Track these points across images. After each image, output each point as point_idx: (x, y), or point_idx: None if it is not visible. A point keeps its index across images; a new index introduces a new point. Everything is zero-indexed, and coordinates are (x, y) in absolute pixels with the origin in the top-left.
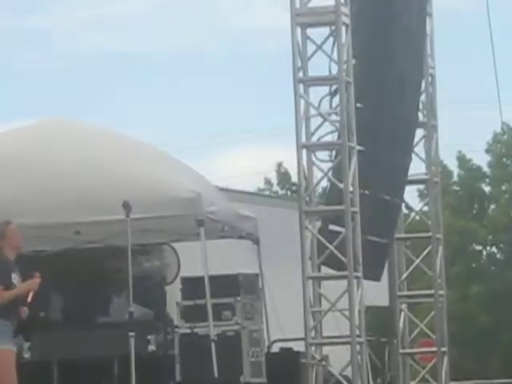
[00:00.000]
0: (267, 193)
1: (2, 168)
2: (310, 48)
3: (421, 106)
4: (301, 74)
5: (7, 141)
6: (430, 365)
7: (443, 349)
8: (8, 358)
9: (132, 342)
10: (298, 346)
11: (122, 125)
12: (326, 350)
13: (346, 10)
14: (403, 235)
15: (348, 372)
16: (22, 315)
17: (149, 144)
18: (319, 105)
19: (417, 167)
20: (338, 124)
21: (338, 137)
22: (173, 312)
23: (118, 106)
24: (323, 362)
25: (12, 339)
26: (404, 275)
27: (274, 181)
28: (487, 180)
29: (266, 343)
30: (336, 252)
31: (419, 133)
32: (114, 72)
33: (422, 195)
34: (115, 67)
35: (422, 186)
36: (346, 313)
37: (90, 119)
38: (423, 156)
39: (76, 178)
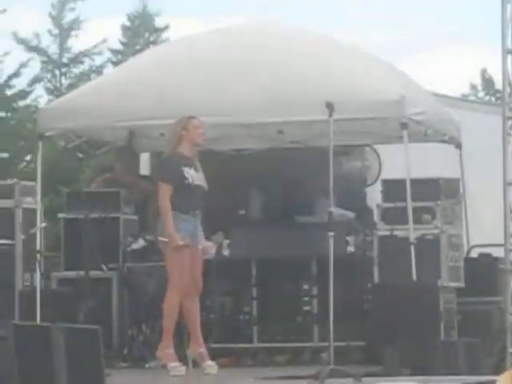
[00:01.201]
0: (472, 98)
1: (204, 66)
2: None
3: None
4: None
5: (209, 38)
6: None
7: None
8: (183, 253)
9: (331, 242)
10: (497, 252)
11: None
12: None
13: None
14: None
15: None
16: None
17: (352, 44)
18: None
19: None
20: None
21: None
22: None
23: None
24: None
25: (191, 234)
26: None
27: (479, 87)
28: None
29: (465, 248)
30: None
31: None
32: None
33: None
34: None
35: None
36: None
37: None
38: None
39: (281, 78)
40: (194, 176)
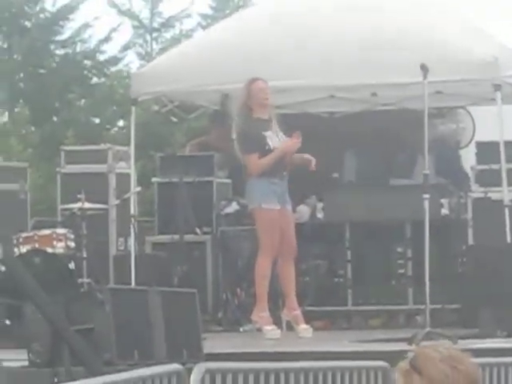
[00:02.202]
0: None
1: (293, 29)
2: None
3: None
4: None
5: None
6: None
7: None
8: (272, 217)
9: (426, 204)
10: None
11: None
12: None
13: None
14: None
15: None
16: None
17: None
18: None
19: None
20: None
21: None
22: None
23: None
24: None
25: (280, 197)
26: None
27: None
28: None
29: None
30: None
31: None
32: None
33: None
34: None
35: None
36: None
37: None
38: None
39: (373, 40)
40: (274, 139)
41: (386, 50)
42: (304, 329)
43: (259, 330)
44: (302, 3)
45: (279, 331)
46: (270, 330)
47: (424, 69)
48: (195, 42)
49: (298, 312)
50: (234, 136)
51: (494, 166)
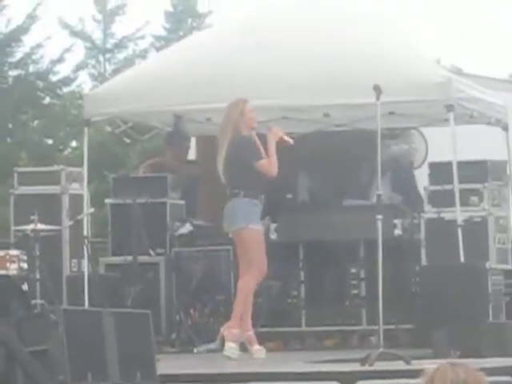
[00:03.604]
0: None
1: (247, 50)
2: None
3: None
4: None
5: (253, 21)
6: None
7: None
8: (259, 237)
9: (380, 225)
10: None
11: None
12: None
13: None
14: None
15: None
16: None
17: (398, 28)
18: None
19: None
20: None
21: None
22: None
23: None
24: None
25: (259, 218)
26: None
27: None
28: None
29: None
30: None
31: None
32: None
33: None
34: None
35: None
36: None
37: None
38: None
39: (325, 61)
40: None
41: (339, 70)
42: (258, 349)
43: (212, 351)
44: (256, 24)
45: (238, 353)
46: (232, 348)
47: (377, 90)
48: (148, 63)
49: (251, 333)
50: (238, 152)
51: (447, 187)
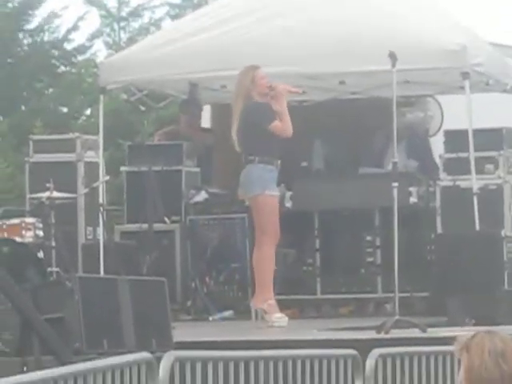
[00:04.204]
0: None
1: (262, 18)
2: None
3: None
4: None
5: None
6: None
7: None
8: (275, 204)
9: (395, 193)
10: None
11: None
12: None
13: None
14: None
15: None
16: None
17: None
18: None
19: None
20: None
21: None
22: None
23: None
24: None
25: (276, 184)
26: None
27: None
28: None
29: None
30: None
31: None
32: None
33: None
34: None
35: None
36: None
37: None
38: None
39: (341, 27)
40: None
41: (354, 37)
42: (279, 317)
43: (226, 319)
44: None
45: (287, 319)
46: (280, 317)
47: (392, 57)
48: (163, 31)
49: (273, 301)
50: (250, 117)
51: (463, 155)
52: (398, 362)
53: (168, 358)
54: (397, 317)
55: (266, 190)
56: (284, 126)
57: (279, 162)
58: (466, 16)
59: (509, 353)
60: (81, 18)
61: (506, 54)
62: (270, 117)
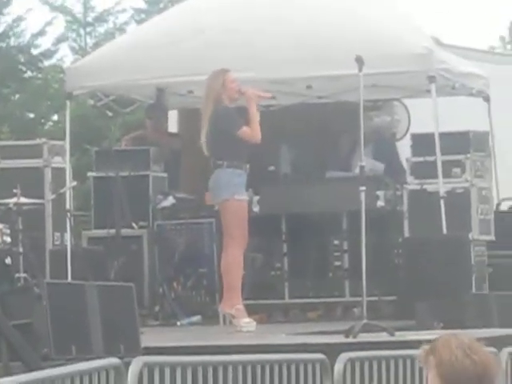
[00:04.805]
0: (499, 51)
1: (229, 22)
2: None
3: None
4: None
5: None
6: None
7: None
8: (244, 208)
9: (363, 196)
10: None
11: None
12: None
13: None
14: None
15: None
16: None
17: None
18: None
19: None
20: None
21: None
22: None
23: None
24: None
25: (245, 188)
26: None
27: (508, 39)
28: None
29: (495, 201)
30: None
31: None
32: None
33: None
34: None
35: None
36: None
37: None
38: None
39: (308, 32)
40: None
41: (321, 41)
42: (247, 322)
43: (194, 324)
44: None
45: (255, 323)
46: (248, 322)
47: (359, 61)
48: (129, 36)
49: (241, 306)
50: (219, 122)
51: (429, 158)
52: (366, 366)
53: (137, 364)
54: (365, 321)
55: (234, 195)
56: (253, 132)
57: (247, 166)
58: (424, 19)
59: (476, 345)
60: (48, 23)
61: (467, 57)
62: (239, 122)
